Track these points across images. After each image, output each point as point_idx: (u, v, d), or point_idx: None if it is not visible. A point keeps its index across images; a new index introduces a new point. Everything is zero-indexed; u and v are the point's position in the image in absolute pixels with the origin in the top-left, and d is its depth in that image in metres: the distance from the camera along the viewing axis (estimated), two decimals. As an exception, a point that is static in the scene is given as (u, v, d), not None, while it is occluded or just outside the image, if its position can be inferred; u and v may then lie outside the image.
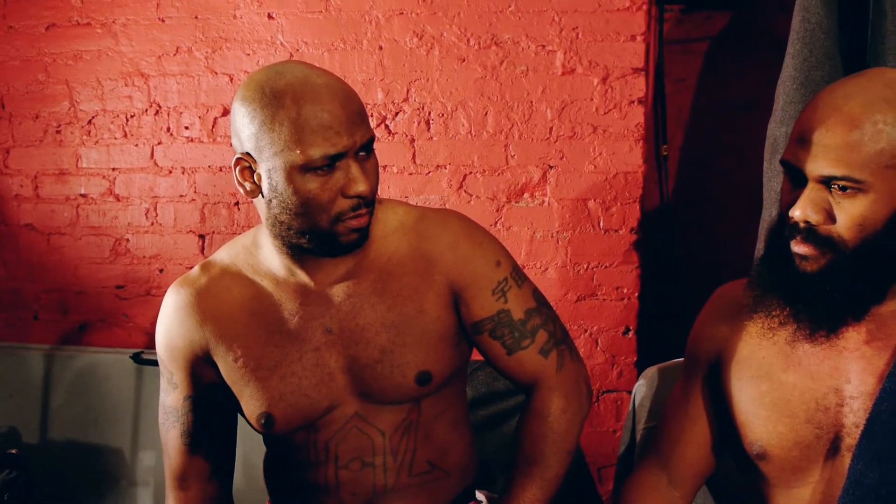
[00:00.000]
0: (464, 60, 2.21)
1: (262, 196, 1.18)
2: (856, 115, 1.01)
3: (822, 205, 1.04)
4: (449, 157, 2.23)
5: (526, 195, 2.21)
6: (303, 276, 1.28)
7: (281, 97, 1.12)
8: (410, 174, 2.25)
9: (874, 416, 1.06)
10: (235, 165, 1.19)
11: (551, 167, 2.19)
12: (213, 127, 2.36)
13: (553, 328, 1.36)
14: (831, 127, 1.02)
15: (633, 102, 2.15)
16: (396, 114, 2.24)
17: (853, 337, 1.12)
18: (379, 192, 1.30)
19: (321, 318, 1.28)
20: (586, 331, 2.21)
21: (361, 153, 1.17)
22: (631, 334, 2.21)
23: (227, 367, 1.29)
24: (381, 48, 2.24)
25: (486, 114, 2.21)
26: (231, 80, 2.34)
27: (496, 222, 2.22)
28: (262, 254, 1.29)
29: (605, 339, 2.21)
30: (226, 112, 2.35)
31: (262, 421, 1.29)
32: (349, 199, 1.16)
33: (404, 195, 2.25)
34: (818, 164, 1.03)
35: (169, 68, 2.37)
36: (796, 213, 1.05)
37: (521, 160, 2.20)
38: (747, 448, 1.20)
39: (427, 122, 2.24)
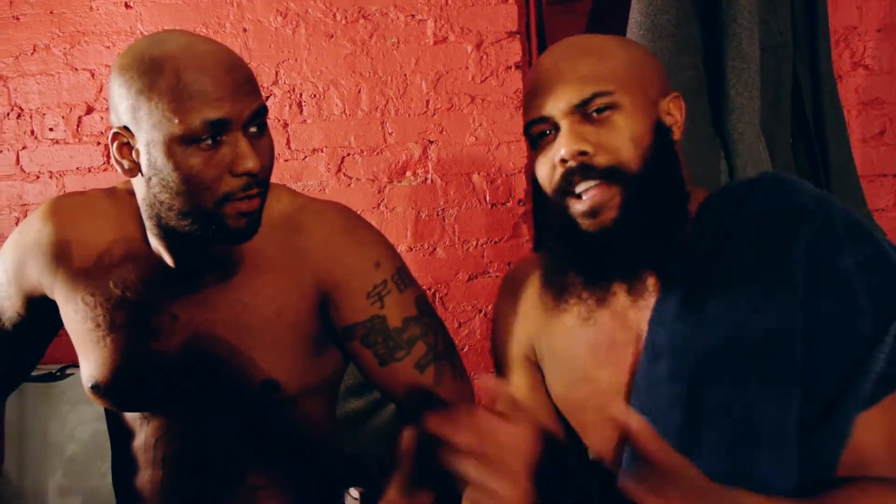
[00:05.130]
0: (332, 37, 2.09)
1: (142, 174, 1.07)
2: (587, 46, 0.99)
3: (585, 135, 0.94)
4: (325, 140, 2.12)
5: (408, 173, 2.10)
6: (165, 256, 1.16)
7: (160, 64, 1.01)
8: (286, 160, 2.14)
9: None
10: (112, 141, 1.07)
11: (431, 142, 2.09)
12: (77, 126, 2.23)
13: (434, 341, 1.22)
14: (566, 61, 0.97)
15: (511, 68, 2.05)
16: (267, 98, 2.12)
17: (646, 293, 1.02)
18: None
19: (169, 301, 1.17)
20: (481, 311, 2.11)
21: (252, 129, 1.06)
22: (528, 310, 2.11)
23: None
24: (245, 30, 2.13)
25: (359, 91, 2.10)
26: (92, 75, 2.21)
27: (379, 204, 2.11)
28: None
29: (501, 317, 2.11)
30: (90, 110, 2.22)
31: (90, 384, 1.20)
32: (238, 178, 1.04)
33: (281, 183, 2.13)
34: (565, 97, 0.95)
35: (27, 68, 2.23)
36: (562, 151, 0.94)
37: (399, 137, 2.09)
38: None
39: (299, 105, 2.12)
